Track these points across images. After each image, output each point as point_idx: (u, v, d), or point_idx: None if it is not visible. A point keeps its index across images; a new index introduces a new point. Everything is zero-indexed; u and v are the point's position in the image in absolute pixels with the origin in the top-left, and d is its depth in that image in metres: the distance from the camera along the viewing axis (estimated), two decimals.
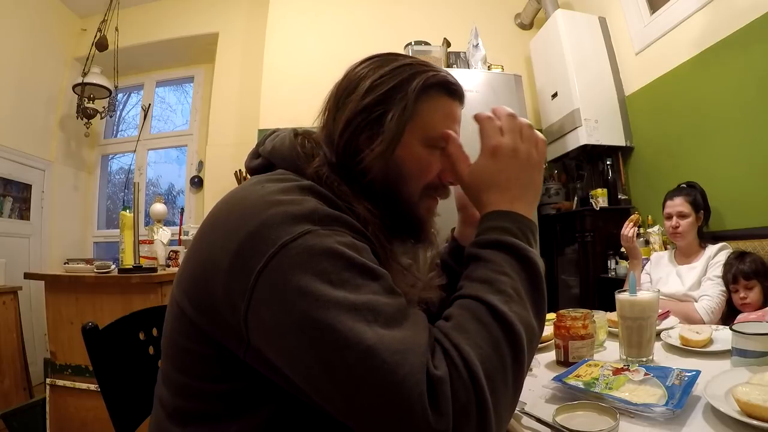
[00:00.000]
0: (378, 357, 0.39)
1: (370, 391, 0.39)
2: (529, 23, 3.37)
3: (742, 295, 1.58)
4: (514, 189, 0.55)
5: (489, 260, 0.49)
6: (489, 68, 2.69)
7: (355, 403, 0.40)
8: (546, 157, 0.58)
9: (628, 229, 1.96)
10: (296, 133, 0.63)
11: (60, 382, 1.91)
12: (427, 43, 2.79)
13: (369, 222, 0.54)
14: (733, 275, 1.60)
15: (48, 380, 1.95)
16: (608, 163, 2.70)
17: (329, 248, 0.45)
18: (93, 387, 1.83)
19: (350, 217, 0.51)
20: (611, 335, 1.02)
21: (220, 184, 3.12)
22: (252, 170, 0.64)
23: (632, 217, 2.01)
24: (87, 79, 3.17)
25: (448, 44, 2.77)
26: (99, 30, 3.14)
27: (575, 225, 2.68)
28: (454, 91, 0.62)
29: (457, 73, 2.52)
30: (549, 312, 1.30)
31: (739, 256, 1.65)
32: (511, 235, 0.51)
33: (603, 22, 2.84)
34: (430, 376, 0.40)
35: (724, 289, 1.65)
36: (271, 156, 0.61)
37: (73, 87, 3.23)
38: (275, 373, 0.47)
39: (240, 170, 2.96)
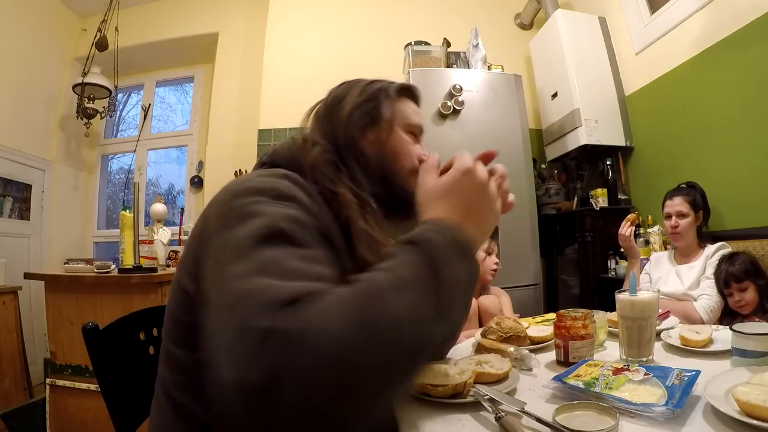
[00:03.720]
0: (244, 302, 0.39)
1: (228, 323, 0.39)
2: (529, 23, 3.37)
3: (736, 298, 1.58)
4: (471, 211, 0.54)
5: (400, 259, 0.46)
6: (489, 68, 2.69)
7: (214, 337, 0.40)
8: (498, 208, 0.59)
9: (626, 229, 1.96)
10: (294, 138, 0.73)
11: (60, 382, 1.91)
12: (427, 43, 2.79)
13: (346, 203, 0.62)
14: (724, 280, 1.59)
15: (48, 380, 1.95)
16: (608, 163, 2.70)
17: (265, 213, 0.49)
18: (93, 387, 1.83)
19: (320, 201, 0.60)
20: (611, 335, 1.02)
21: (220, 184, 3.02)
22: None
23: (629, 216, 2.01)
24: (87, 79, 3.17)
25: (448, 44, 2.77)
26: (99, 30, 3.14)
27: (575, 225, 2.69)
28: (415, 95, 0.83)
29: (457, 73, 2.53)
30: (549, 312, 1.31)
31: (728, 259, 1.64)
32: (436, 250, 0.46)
33: (603, 22, 2.84)
34: (268, 329, 0.36)
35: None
36: (273, 158, 0.69)
37: (73, 87, 3.23)
38: None
39: (240, 170, 2.96)
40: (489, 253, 1.74)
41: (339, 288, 0.41)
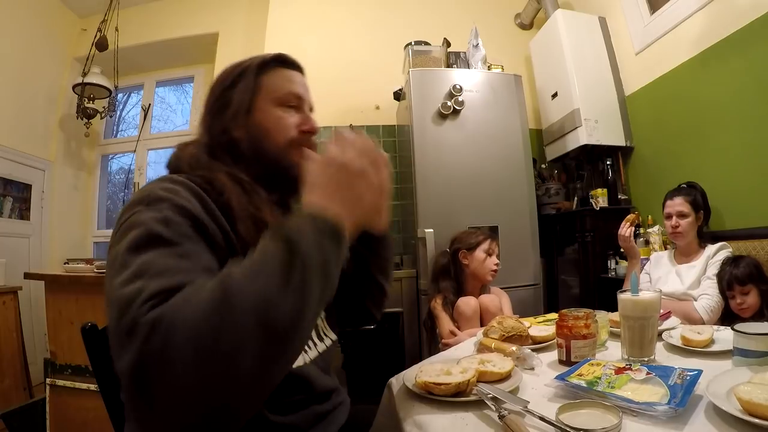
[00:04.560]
0: (121, 308, 0.45)
1: (113, 327, 0.45)
2: (529, 23, 3.37)
3: (738, 301, 1.58)
4: (334, 197, 0.55)
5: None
6: (489, 68, 2.68)
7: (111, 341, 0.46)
8: (385, 177, 0.62)
9: (625, 229, 1.96)
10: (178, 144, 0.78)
11: (60, 382, 1.91)
12: (427, 43, 2.79)
13: (222, 186, 0.65)
14: (727, 282, 1.60)
15: (48, 380, 1.95)
16: (608, 163, 2.70)
17: (140, 222, 0.54)
18: (93, 387, 1.83)
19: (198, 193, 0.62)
20: (613, 335, 1.02)
21: None
22: None
23: (629, 216, 2.01)
24: (87, 79, 3.17)
25: (448, 44, 2.77)
26: (99, 30, 3.14)
27: (575, 225, 2.69)
28: (286, 62, 0.80)
29: (457, 73, 2.53)
30: (550, 312, 1.31)
31: (732, 262, 1.64)
32: (300, 236, 0.49)
33: (603, 22, 2.84)
34: (132, 322, 0.43)
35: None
36: (167, 166, 0.75)
37: (73, 87, 3.22)
38: None
39: None
40: (490, 254, 1.75)
41: (200, 280, 0.47)
